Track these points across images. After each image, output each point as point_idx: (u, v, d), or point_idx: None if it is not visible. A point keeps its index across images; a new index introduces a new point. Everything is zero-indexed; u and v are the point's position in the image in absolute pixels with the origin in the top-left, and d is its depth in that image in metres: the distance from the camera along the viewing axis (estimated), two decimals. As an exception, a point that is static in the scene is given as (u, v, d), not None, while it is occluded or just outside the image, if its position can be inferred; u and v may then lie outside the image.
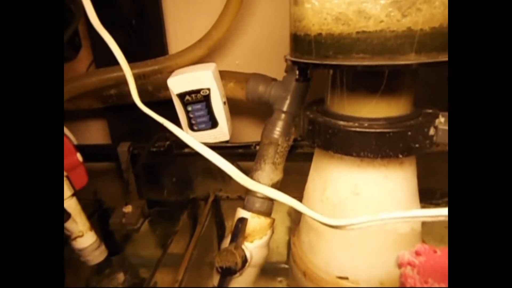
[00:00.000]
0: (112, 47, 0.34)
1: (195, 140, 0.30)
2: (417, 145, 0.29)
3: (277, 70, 0.45)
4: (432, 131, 0.30)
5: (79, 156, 0.46)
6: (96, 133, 0.64)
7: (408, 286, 0.24)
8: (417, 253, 0.26)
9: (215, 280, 0.40)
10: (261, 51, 0.54)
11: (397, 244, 0.32)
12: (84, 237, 0.44)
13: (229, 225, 0.46)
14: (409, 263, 0.25)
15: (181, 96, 0.46)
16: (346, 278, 0.34)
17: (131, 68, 0.38)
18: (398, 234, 0.32)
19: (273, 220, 0.43)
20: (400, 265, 0.25)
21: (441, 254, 0.26)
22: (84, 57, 0.59)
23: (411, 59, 0.26)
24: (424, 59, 0.26)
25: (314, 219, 0.23)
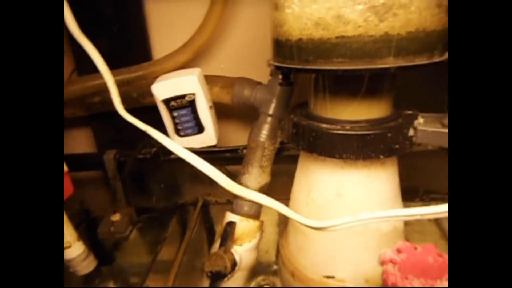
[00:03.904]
0: (92, 55, 0.34)
1: (179, 146, 0.31)
2: (397, 146, 0.30)
3: (262, 74, 0.46)
4: (411, 132, 0.31)
5: (64, 166, 0.45)
6: (81, 142, 0.63)
7: (389, 282, 0.24)
8: (399, 251, 0.27)
9: (205, 284, 0.40)
10: (245, 55, 0.54)
11: (380, 243, 0.33)
12: (71, 248, 0.43)
13: (219, 229, 0.47)
14: (391, 261, 0.26)
15: (166, 101, 0.46)
16: (333, 277, 0.34)
17: (115, 74, 0.37)
18: (382, 233, 0.33)
19: (262, 223, 0.43)
20: (382, 263, 0.26)
21: (422, 251, 0.27)
22: (65, 65, 0.58)
23: (389, 62, 0.26)
24: (401, 62, 0.26)
25: (298, 222, 0.23)
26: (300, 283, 0.36)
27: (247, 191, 0.28)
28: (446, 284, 0.24)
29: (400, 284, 0.24)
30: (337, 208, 0.33)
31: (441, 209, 0.20)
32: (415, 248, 0.27)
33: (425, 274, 0.25)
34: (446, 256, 0.26)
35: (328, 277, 0.35)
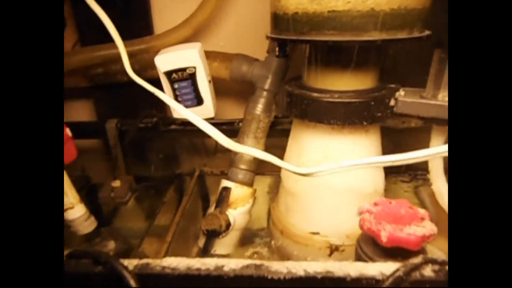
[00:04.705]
0: (105, 22, 0.36)
1: (182, 107, 0.33)
2: (379, 114, 0.34)
3: (259, 51, 0.49)
4: (392, 102, 0.34)
5: (68, 131, 0.47)
6: (82, 113, 0.64)
7: (365, 227, 0.28)
8: (375, 204, 0.30)
9: (201, 242, 0.43)
10: (244, 32, 0.56)
11: (361, 203, 0.37)
12: (74, 208, 0.46)
13: (214, 199, 0.50)
14: (368, 211, 0.29)
15: (168, 74, 0.48)
16: (318, 233, 0.38)
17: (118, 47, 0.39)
18: (363, 194, 0.37)
19: (255, 190, 0.47)
20: (360, 213, 0.30)
21: (396, 204, 0.30)
22: (68, 36, 0.59)
23: (374, 36, 0.30)
24: (385, 36, 0.30)
25: (288, 170, 0.27)
26: (288, 239, 0.40)
27: (244, 147, 0.32)
28: (414, 228, 0.27)
29: (374, 228, 0.28)
30: (324, 170, 0.36)
31: (409, 156, 0.24)
32: (390, 202, 0.31)
33: (397, 222, 0.28)
34: (416, 208, 0.30)
35: (313, 233, 0.38)
